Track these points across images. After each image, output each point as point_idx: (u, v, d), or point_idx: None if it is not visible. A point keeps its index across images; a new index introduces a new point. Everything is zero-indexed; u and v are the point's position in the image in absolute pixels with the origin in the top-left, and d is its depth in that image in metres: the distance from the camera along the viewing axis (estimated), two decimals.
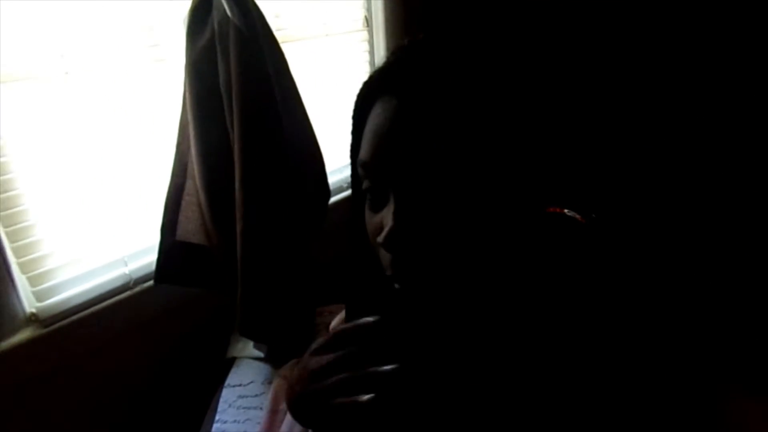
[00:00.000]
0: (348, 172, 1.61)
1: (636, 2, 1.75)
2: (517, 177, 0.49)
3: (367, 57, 1.57)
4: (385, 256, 0.51)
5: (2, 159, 0.89)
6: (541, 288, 0.53)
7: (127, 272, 1.08)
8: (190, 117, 1.04)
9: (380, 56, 1.58)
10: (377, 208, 0.52)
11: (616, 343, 0.50)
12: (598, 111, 1.84)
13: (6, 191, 0.91)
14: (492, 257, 0.50)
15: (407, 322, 0.59)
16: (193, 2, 1.00)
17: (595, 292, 0.53)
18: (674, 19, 1.73)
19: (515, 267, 0.52)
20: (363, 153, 0.52)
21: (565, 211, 0.74)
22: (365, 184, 0.52)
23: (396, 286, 0.51)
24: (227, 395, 1.05)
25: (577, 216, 0.74)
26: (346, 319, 0.72)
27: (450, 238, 0.47)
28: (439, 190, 0.46)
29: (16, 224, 0.92)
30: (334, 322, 0.92)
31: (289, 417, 0.91)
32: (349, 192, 1.51)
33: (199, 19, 1.02)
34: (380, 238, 0.48)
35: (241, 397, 1.04)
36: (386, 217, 0.49)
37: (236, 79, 1.01)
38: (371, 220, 0.53)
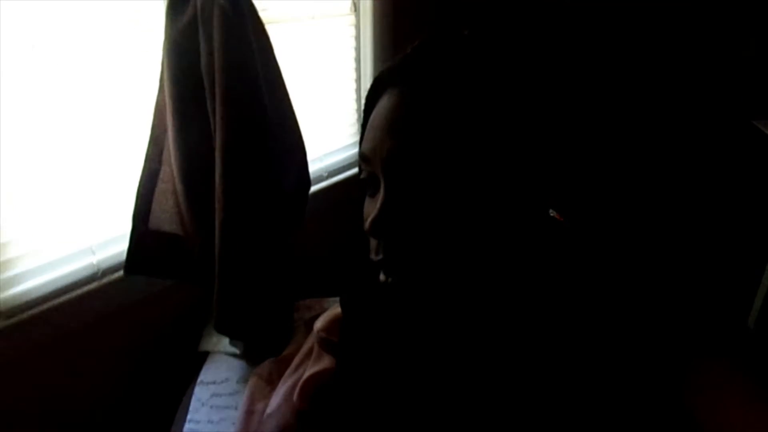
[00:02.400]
0: (328, 161, 1.58)
1: (641, 10, 1.77)
2: (509, 175, 0.50)
3: (353, 42, 1.52)
4: (372, 242, 0.52)
5: None
6: (522, 283, 0.54)
7: (95, 262, 1.02)
8: (167, 99, 0.98)
9: (366, 42, 1.53)
10: (373, 196, 0.53)
11: (603, 339, 0.50)
12: (593, 113, 1.86)
13: None
14: (475, 250, 0.51)
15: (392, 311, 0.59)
16: None
17: (579, 288, 0.53)
18: (675, 33, 1.75)
19: (496, 261, 0.53)
20: (361, 144, 0.53)
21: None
22: (362, 174, 0.54)
23: (381, 274, 0.52)
24: (200, 393, 1.01)
25: (555, 214, 0.74)
26: (344, 314, 0.71)
27: (433, 229, 0.48)
28: (427, 181, 0.47)
29: None
30: (319, 324, 0.90)
31: (267, 421, 0.88)
32: (327, 182, 1.48)
33: None
34: (365, 225, 0.50)
35: (215, 395, 1.00)
36: (375, 204, 0.50)
37: (219, 62, 0.96)
38: (367, 206, 0.54)
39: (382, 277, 0.52)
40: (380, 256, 0.51)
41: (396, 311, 0.62)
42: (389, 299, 0.62)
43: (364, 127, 0.56)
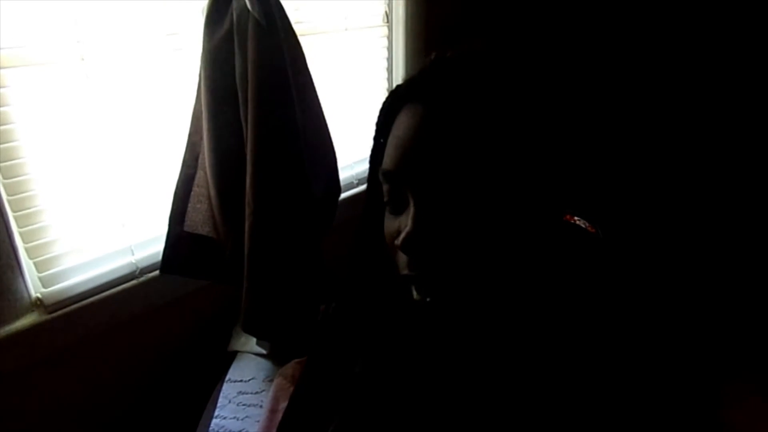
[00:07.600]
0: (359, 168, 1.60)
1: (657, 19, 1.74)
2: (535, 187, 0.50)
3: (385, 53, 1.55)
4: (402, 259, 0.51)
5: (13, 144, 0.89)
6: (554, 294, 0.53)
7: (133, 261, 1.07)
8: (203, 108, 1.03)
9: (399, 53, 1.55)
10: (396, 213, 0.52)
11: (627, 349, 0.51)
12: (617, 127, 1.83)
13: (16, 176, 0.90)
14: (507, 263, 0.50)
15: (422, 326, 0.59)
16: None
17: (604, 297, 0.53)
18: (695, 35, 1.71)
19: (529, 273, 0.52)
20: (386, 162, 0.52)
21: (576, 219, 0.74)
22: (385, 190, 0.53)
23: (413, 292, 0.51)
24: (227, 390, 1.05)
25: (588, 225, 0.74)
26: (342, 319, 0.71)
27: (467, 243, 0.48)
28: (458, 196, 0.47)
29: (24, 209, 0.92)
30: None
31: None
32: (358, 189, 1.50)
33: (218, 10, 1.00)
34: (398, 241, 0.49)
35: (241, 393, 1.03)
36: (405, 220, 0.50)
37: (252, 73, 1.00)
38: (390, 224, 0.53)
39: (416, 294, 0.51)
40: (414, 273, 0.50)
41: (417, 325, 0.60)
42: (415, 314, 0.59)
43: (377, 141, 0.56)
